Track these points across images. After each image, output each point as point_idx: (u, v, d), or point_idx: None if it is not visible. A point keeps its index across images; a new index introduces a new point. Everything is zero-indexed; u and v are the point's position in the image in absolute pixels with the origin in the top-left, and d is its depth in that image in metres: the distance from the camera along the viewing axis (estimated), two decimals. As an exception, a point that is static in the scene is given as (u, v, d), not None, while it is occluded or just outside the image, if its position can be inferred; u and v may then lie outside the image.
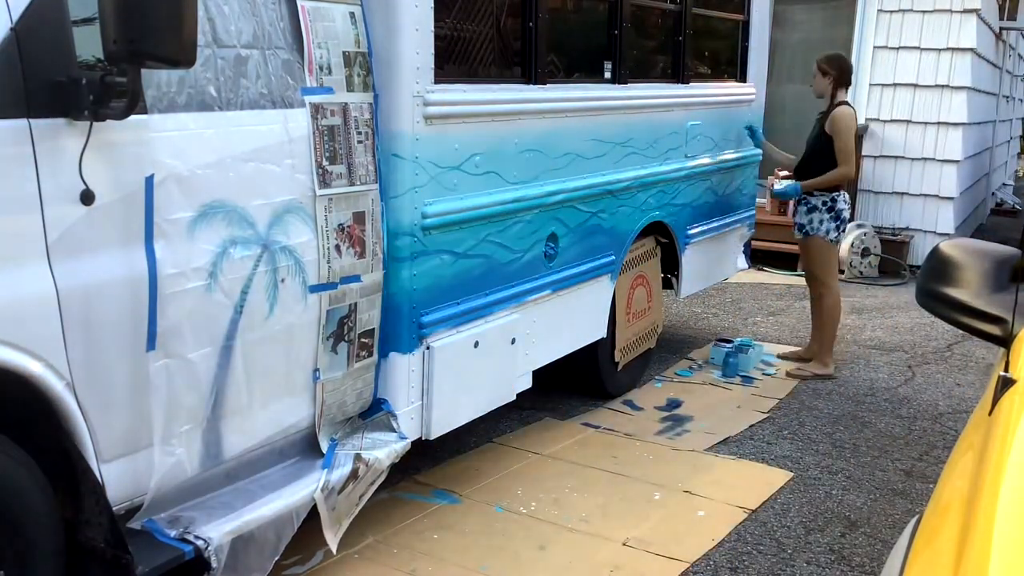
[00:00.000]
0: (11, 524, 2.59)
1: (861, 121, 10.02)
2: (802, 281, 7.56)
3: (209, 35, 2.99)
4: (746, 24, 6.84)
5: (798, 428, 5.46)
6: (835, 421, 5.60)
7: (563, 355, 4.99)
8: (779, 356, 6.71)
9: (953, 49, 9.73)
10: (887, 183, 10.17)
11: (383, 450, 3.69)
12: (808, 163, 6.30)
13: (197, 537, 2.96)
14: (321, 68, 3.38)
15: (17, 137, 2.51)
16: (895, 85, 10.02)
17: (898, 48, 9.96)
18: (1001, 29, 12.51)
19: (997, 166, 14.61)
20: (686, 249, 6.12)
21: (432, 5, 3.76)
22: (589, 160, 4.92)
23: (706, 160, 6.23)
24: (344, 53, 3.46)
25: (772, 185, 7.05)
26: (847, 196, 6.32)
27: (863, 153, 10.07)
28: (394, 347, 3.80)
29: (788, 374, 6.36)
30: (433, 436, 4.02)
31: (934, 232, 9.95)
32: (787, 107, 9.92)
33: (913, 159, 10.04)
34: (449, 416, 4.10)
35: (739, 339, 6.70)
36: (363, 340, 3.66)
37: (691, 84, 6.03)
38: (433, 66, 3.79)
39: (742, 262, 7.20)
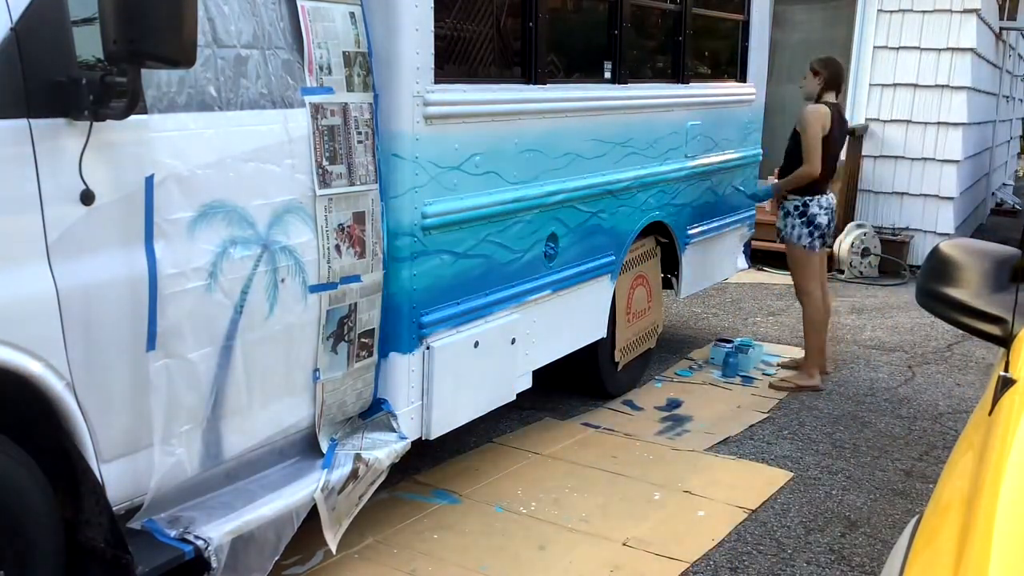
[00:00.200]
0: (11, 524, 2.59)
1: (861, 121, 10.06)
2: (802, 282, 7.53)
3: (209, 35, 2.99)
4: (746, 24, 6.84)
5: (798, 428, 5.46)
6: (835, 421, 5.60)
7: (563, 355, 4.99)
8: (779, 366, 6.54)
9: (953, 49, 9.73)
10: (887, 183, 10.17)
11: (383, 450, 3.69)
12: (786, 164, 6.15)
13: (197, 537, 2.96)
14: (321, 68, 3.37)
15: (17, 137, 2.51)
16: (895, 85, 10.01)
17: (898, 48, 9.96)
18: (1001, 29, 12.51)
19: (997, 166, 14.61)
20: (686, 249, 6.12)
21: (432, 5, 3.76)
22: (589, 160, 4.91)
23: (706, 160, 6.22)
24: (344, 53, 3.46)
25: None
26: (831, 201, 6.02)
27: (863, 153, 10.08)
28: (394, 347, 3.80)
29: (771, 386, 6.08)
30: (433, 436, 4.02)
31: (934, 232, 9.95)
32: (787, 107, 9.88)
33: (913, 159, 10.03)
34: (449, 416, 4.10)
35: (739, 339, 6.70)
36: (363, 340, 3.66)
37: (691, 84, 6.02)
38: (433, 66, 3.79)
39: (742, 262, 7.20)
